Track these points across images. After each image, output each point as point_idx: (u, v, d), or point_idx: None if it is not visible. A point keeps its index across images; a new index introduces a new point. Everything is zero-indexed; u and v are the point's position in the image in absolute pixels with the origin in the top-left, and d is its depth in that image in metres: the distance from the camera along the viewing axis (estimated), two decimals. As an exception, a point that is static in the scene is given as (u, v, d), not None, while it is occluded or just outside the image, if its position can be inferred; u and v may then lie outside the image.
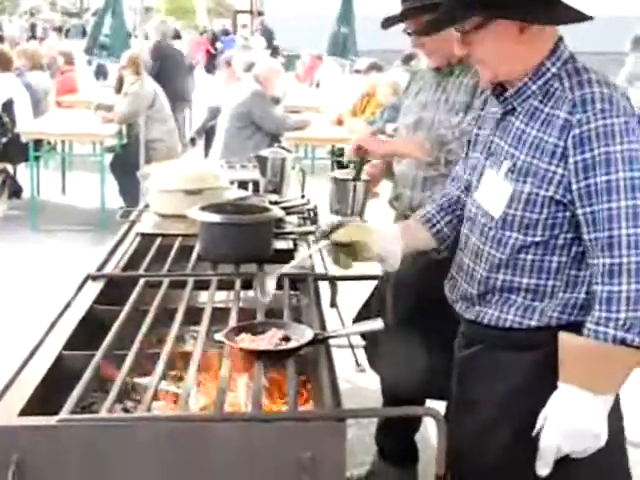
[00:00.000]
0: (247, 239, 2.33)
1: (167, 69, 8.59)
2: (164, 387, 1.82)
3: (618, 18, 12.31)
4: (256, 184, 3.36)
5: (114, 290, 2.22)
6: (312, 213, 2.95)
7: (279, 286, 2.19)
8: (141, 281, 2.19)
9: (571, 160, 1.63)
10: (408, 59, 8.34)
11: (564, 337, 1.65)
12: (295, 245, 2.67)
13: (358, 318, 2.78)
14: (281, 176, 3.22)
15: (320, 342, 1.77)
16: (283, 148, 4.06)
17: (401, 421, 2.83)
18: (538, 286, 1.73)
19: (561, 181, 1.65)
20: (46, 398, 1.64)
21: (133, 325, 1.94)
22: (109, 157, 7.17)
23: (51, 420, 1.49)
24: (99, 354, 1.75)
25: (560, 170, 1.65)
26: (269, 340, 1.76)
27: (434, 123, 2.58)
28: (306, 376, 1.84)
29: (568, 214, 1.67)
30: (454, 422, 1.84)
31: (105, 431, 1.50)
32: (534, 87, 1.73)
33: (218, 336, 1.76)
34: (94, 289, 2.20)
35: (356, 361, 2.94)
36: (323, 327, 1.97)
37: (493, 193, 1.78)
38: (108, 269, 2.38)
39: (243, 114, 6.34)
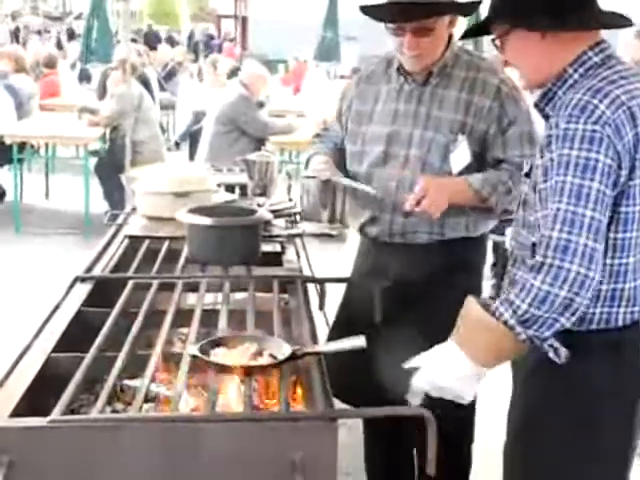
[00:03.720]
0: (235, 241, 2.34)
1: None
2: (154, 389, 1.82)
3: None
4: (243, 187, 3.36)
5: (103, 292, 2.22)
6: (299, 216, 2.95)
7: (268, 289, 2.21)
8: (130, 283, 2.18)
9: (539, 162, 1.69)
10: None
11: (469, 300, 1.70)
12: (283, 248, 2.68)
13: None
14: (268, 179, 3.22)
15: (298, 358, 1.75)
16: (267, 152, 4.06)
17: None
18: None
19: (540, 173, 1.69)
20: (36, 400, 1.64)
21: (122, 327, 1.93)
22: (93, 160, 7.15)
23: (42, 421, 1.48)
24: (88, 356, 1.75)
25: (538, 170, 1.70)
26: (242, 354, 1.73)
27: (413, 139, 2.39)
28: (297, 377, 1.84)
29: None
30: None
31: (96, 432, 1.49)
32: (559, 92, 1.74)
33: (192, 349, 1.73)
34: (83, 291, 2.20)
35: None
36: (313, 333, 1.97)
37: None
38: (96, 271, 2.37)
39: (229, 118, 6.34)
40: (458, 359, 1.67)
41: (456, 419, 2.51)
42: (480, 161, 2.36)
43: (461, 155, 2.35)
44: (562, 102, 1.67)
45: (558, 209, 1.59)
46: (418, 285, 2.37)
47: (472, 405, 2.55)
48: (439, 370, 1.69)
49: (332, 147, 2.59)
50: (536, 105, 1.81)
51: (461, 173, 2.34)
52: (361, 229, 2.53)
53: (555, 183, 1.61)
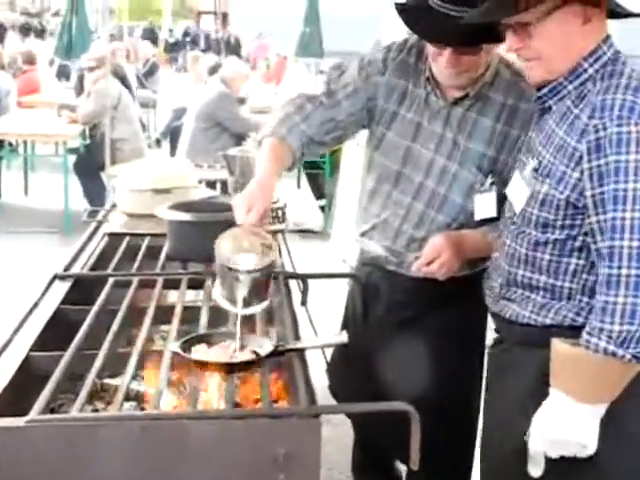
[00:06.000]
0: (216, 238, 2.31)
1: None
2: (135, 387, 1.80)
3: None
4: (224, 184, 3.34)
5: (82, 290, 2.19)
6: (281, 212, 2.93)
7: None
8: (110, 281, 2.16)
9: (585, 166, 1.60)
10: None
11: (556, 343, 1.65)
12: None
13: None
14: (249, 175, 3.20)
15: (280, 354, 1.73)
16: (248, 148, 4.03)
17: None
18: (554, 286, 1.72)
19: (576, 185, 1.63)
20: (14, 400, 1.61)
21: (102, 325, 1.91)
22: (73, 158, 7.09)
23: (20, 421, 1.46)
24: (67, 354, 1.72)
25: (576, 174, 1.63)
26: (223, 351, 1.72)
27: (432, 168, 2.14)
28: (279, 373, 1.83)
29: (586, 217, 1.64)
30: (484, 418, 1.92)
31: (76, 432, 1.47)
32: (570, 87, 1.69)
33: (172, 347, 1.71)
34: (62, 289, 2.16)
35: (326, 361, 2.93)
36: (296, 329, 1.95)
37: (517, 189, 1.79)
38: (76, 269, 2.34)
39: (209, 115, 6.33)
40: (566, 405, 1.61)
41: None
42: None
43: (487, 204, 2.12)
44: (602, 102, 1.59)
45: (623, 218, 1.54)
46: (407, 314, 2.29)
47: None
48: (551, 424, 1.63)
49: (307, 138, 2.16)
50: (539, 97, 1.76)
51: (483, 220, 2.14)
52: (360, 240, 2.35)
53: (614, 190, 1.55)
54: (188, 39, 21.65)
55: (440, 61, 2.05)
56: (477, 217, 2.14)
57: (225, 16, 23.46)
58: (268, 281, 1.85)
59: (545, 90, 1.74)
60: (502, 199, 1.98)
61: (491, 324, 2.03)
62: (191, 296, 2.26)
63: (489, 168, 2.11)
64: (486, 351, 2.04)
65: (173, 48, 20.48)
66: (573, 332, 1.66)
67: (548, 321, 1.74)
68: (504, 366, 1.87)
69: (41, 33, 19.57)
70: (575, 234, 1.67)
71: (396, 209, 2.22)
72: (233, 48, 18.34)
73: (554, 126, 1.71)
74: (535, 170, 1.72)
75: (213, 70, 8.62)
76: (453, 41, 1.98)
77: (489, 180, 2.11)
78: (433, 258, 2.08)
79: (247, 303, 1.78)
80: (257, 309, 1.84)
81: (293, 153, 2.16)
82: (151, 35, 19.47)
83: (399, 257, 2.26)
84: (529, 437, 1.67)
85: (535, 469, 1.68)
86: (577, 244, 1.68)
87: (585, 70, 1.68)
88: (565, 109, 1.69)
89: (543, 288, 1.74)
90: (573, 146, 1.63)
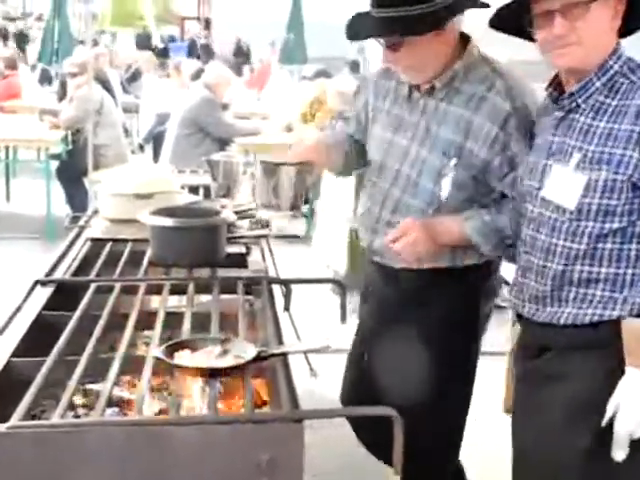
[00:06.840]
0: (199, 243, 2.31)
1: None
2: (117, 393, 1.80)
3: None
4: (207, 189, 3.34)
5: (64, 296, 2.18)
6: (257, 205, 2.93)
7: (233, 291, 2.19)
8: (92, 286, 2.15)
9: None
10: (355, 66, 8.41)
11: (628, 320, 1.70)
12: (248, 249, 2.66)
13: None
14: (232, 180, 3.20)
15: (264, 359, 1.74)
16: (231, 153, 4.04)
17: None
18: (617, 275, 1.77)
19: (637, 165, 1.71)
20: (-5, 406, 1.60)
21: (84, 331, 1.90)
22: (55, 164, 7.06)
23: (1, 427, 1.45)
24: (49, 360, 1.72)
25: (636, 154, 1.71)
26: (206, 356, 1.72)
27: (408, 155, 2.23)
28: (262, 379, 1.83)
29: None
30: (518, 426, 1.91)
31: (57, 438, 1.46)
32: (598, 83, 1.79)
33: (155, 352, 1.71)
34: (43, 295, 2.15)
35: (309, 366, 2.94)
36: (279, 334, 1.96)
37: (564, 187, 1.81)
38: (58, 274, 2.33)
39: (192, 120, 6.33)
40: None
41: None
42: (478, 186, 2.17)
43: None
44: (634, 88, 1.74)
45: None
46: (393, 307, 2.33)
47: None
48: (638, 402, 1.66)
49: (344, 135, 2.49)
50: (570, 95, 1.82)
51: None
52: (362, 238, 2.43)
53: None
54: (182, 44, 21.45)
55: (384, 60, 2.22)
56: (443, 197, 2.19)
57: (208, 21, 23.40)
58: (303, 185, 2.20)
59: (576, 87, 1.81)
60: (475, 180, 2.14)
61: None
62: (174, 302, 2.25)
63: (455, 154, 2.16)
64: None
65: (164, 53, 20.32)
66: None
67: (616, 313, 1.76)
68: (551, 374, 1.86)
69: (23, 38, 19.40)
70: (635, 219, 1.74)
71: (376, 196, 2.32)
72: (244, 55, 18.21)
73: (590, 120, 1.79)
74: (582, 162, 1.78)
75: (196, 75, 8.61)
76: (372, 34, 2.18)
77: (453, 162, 2.16)
78: (399, 236, 2.12)
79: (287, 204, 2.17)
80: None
81: (344, 135, 2.47)
82: (147, 42, 19.33)
83: (377, 243, 2.31)
84: (614, 420, 1.68)
85: (620, 452, 1.70)
86: (637, 229, 1.75)
87: (611, 67, 1.79)
88: (598, 104, 1.79)
89: (604, 280, 1.77)
90: (629, 129, 1.72)
